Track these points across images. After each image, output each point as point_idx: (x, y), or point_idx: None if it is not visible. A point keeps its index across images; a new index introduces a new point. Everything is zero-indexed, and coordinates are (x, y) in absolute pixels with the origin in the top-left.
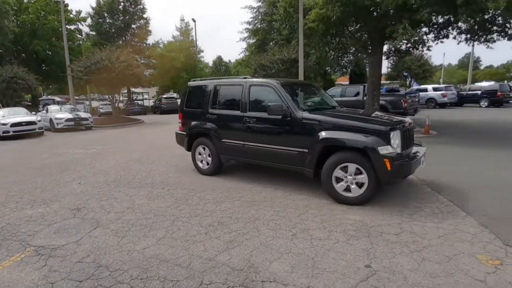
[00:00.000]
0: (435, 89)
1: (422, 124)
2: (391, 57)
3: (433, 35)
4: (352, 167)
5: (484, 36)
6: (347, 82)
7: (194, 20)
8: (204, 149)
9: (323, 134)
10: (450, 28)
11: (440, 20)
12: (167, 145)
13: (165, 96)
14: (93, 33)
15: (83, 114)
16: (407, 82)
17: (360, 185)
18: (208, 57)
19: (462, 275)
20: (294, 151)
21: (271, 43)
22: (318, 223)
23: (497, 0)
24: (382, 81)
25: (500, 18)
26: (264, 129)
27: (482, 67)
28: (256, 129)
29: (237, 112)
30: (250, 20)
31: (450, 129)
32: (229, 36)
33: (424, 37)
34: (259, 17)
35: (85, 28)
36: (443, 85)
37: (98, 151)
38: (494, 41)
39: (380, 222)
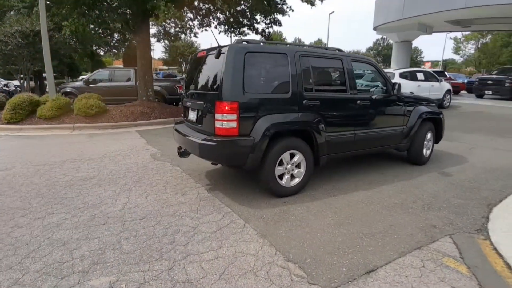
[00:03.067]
0: None
1: None
2: (162, 40)
3: (197, 22)
4: (430, 132)
5: (238, 29)
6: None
7: None
8: (291, 156)
9: (421, 109)
10: (211, 17)
11: (202, 7)
12: None
13: None
14: None
15: None
16: (183, 68)
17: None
18: None
19: None
20: (397, 130)
21: (11, 12)
22: None
23: None
24: (161, 66)
25: (249, 13)
26: (378, 111)
27: None
28: (370, 113)
29: (347, 95)
30: None
31: None
32: None
33: (190, 23)
34: None
35: None
36: None
37: None
38: (246, 35)
39: (140, 283)
